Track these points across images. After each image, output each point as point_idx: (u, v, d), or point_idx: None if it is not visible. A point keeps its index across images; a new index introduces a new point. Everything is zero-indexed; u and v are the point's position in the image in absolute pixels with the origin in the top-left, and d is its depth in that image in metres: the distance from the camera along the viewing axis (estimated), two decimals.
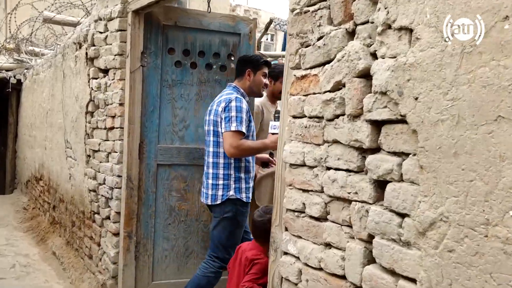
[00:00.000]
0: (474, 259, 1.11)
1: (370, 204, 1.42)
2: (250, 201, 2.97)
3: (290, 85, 1.83)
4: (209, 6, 3.38)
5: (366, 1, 1.45)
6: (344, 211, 1.54)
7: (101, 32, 3.65)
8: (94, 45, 3.77)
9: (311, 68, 1.70)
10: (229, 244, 2.85)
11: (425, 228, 1.22)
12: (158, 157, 3.34)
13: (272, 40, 18.29)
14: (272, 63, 3.53)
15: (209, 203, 2.92)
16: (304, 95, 1.73)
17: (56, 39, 6.72)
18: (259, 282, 2.15)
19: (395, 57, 1.32)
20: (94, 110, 3.84)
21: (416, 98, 1.24)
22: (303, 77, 1.74)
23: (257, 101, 3.59)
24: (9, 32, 7.21)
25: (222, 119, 2.83)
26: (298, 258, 1.75)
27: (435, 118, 1.20)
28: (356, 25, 1.51)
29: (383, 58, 1.36)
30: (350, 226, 1.51)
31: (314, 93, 1.67)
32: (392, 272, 1.32)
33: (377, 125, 1.39)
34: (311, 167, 1.68)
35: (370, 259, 1.44)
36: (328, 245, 1.62)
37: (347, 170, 1.51)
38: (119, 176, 3.36)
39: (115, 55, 3.39)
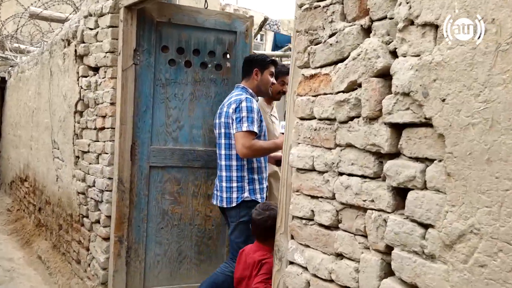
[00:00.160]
0: (509, 275, 1.02)
1: (389, 213, 1.32)
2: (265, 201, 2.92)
3: (297, 85, 1.73)
4: (206, 1, 3.27)
5: None
6: (358, 220, 1.44)
7: (91, 29, 3.52)
8: (83, 42, 3.63)
9: (321, 67, 1.60)
10: None
11: (452, 240, 1.13)
12: (151, 158, 3.22)
13: (261, 40, 18.19)
14: None
15: (225, 206, 2.88)
16: (313, 96, 1.63)
17: (43, 36, 6.53)
18: (270, 282, 2.04)
19: (418, 55, 1.22)
20: (84, 109, 3.70)
21: (444, 100, 1.15)
22: (312, 76, 1.63)
23: None
24: None
25: (233, 120, 2.80)
26: (305, 268, 1.65)
27: (465, 121, 1.11)
28: (372, 21, 1.41)
29: (405, 57, 1.26)
30: (365, 236, 1.42)
31: (325, 94, 1.57)
32: (414, 287, 1.23)
33: (397, 129, 1.30)
34: (321, 172, 1.58)
35: (387, 272, 1.34)
36: (339, 256, 1.52)
37: (362, 176, 1.42)
38: (109, 178, 3.23)
39: (106, 52, 3.26)
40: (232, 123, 2.81)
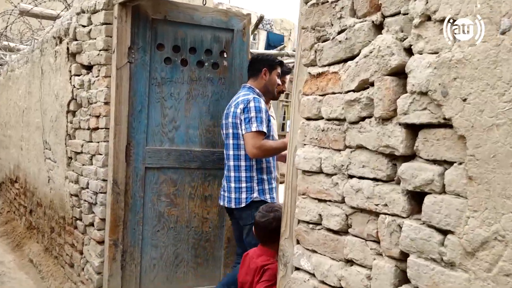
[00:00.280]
0: None
1: (404, 218, 1.26)
2: (275, 201, 2.88)
3: (302, 83, 1.66)
4: None
5: None
6: (369, 225, 1.38)
7: (84, 26, 3.42)
8: (76, 40, 3.53)
9: (329, 65, 1.53)
10: None
11: (475, 247, 1.07)
12: (146, 159, 3.13)
13: (254, 39, 18.11)
14: None
15: (233, 207, 2.83)
16: (320, 95, 1.56)
17: (33, 34, 6.40)
18: None
19: (436, 52, 1.16)
20: (77, 109, 3.60)
21: (465, 100, 1.09)
22: (319, 74, 1.57)
23: None
24: None
25: (241, 120, 2.76)
26: (313, 275, 1.59)
27: (488, 122, 1.05)
28: (384, 17, 1.35)
29: (421, 54, 1.20)
30: (377, 242, 1.35)
31: (334, 93, 1.50)
32: None
33: (413, 130, 1.23)
34: (330, 175, 1.52)
35: (402, 279, 1.28)
36: (349, 262, 1.45)
37: (375, 179, 1.35)
38: (104, 180, 3.14)
39: (100, 50, 3.17)
40: (241, 124, 2.77)
